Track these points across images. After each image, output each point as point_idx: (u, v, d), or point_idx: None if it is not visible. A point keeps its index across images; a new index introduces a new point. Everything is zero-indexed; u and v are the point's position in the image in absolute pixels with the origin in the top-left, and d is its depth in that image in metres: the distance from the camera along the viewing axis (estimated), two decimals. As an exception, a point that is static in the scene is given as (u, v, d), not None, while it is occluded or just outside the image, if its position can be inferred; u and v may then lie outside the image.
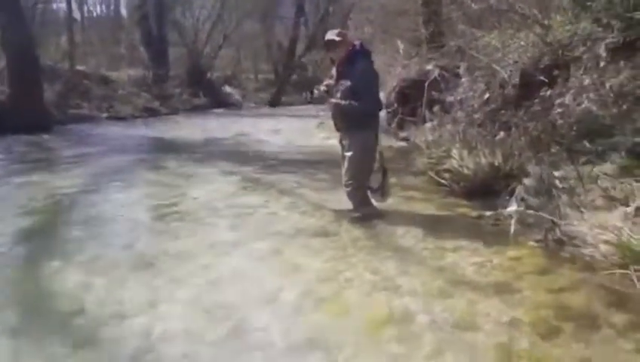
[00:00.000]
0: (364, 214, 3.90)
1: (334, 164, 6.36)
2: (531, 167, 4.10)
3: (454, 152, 4.78)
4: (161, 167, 6.57)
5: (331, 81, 3.94)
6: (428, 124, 8.41)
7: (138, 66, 19.40)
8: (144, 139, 10.07)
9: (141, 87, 17.93)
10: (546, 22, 6.27)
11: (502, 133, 5.53)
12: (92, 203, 4.68)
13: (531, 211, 3.36)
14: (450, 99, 8.15)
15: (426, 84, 8.67)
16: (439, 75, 8.56)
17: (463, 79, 8.50)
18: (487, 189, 4.24)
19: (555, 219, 3.14)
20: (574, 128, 4.68)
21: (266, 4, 25.31)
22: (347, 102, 3.67)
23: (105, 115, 14.63)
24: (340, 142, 4.08)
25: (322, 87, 4.02)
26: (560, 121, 4.83)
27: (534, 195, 3.66)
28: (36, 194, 5.02)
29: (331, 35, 3.80)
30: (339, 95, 3.75)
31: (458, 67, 8.47)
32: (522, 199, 3.53)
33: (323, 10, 24.20)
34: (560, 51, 5.75)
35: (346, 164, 3.89)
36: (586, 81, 5.24)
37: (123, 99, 16.38)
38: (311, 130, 10.67)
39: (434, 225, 3.68)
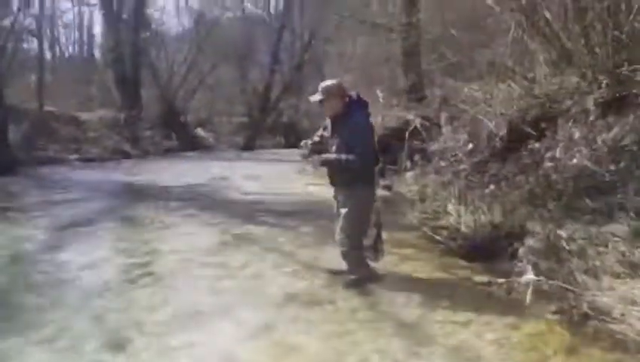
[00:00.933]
0: (360, 277, 3.60)
1: (320, 215, 6.10)
2: (532, 225, 3.92)
3: (450, 208, 4.57)
4: (133, 218, 6.14)
5: (325, 133, 3.72)
6: (409, 173, 8.31)
7: (110, 108, 18.96)
8: (114, 185, 9.59)
9: (112, 129, 17.46)
10: (530, 75, 6.30)
11: (492, 186, 5.40)
12: (55, 261, 4.22)
13: (544, 279, 3.12)
14: (432, 148, 8.12)
15: (407, 133, 8.63)
16: (420, 125, 8.55)
17: (444, 129, 8.50)
18: (487, 249, 4.01)
19: (573, 289, 2.91)
20: (570, 184, 4.56)
21: (241, 50, 25.47)
22: (344, 156, 3.43)
23: (73, 156, 14.06)
24: (335, 197, 3.81)
25: (315, 138, 3.78)
26: (554, 176, 4.71)
27: (541, 258, 3.44)
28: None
29: (327, 85, 3.59)
30: (334, 149, 3.52)
31: (438, 117, 8.51)
32: (534, 264, 3.29)
33: (299, 57, 24.56)
34: (547, 104, 5.74)
35: (340, 221, 3.61)
36: (576, 135, 5.19)
37: (93, 140, 15.87)
38: (289, 176, 10.43)
39: (438, 292, 3.40)
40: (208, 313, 3.09)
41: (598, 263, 3.04)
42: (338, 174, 3.58)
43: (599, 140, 4.79)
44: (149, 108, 20.39)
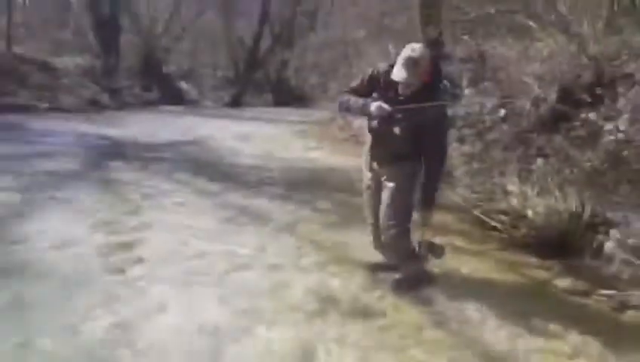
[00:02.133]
0: (411, 276, 2.82)
1: (335, 187, 5.28)
2: (614, 215, 3.16)
3: (512, 188, 3.77)
4: (113, 181, 5.22)
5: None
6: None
7: (85, 54, 17.52)
8: (91, 139, 8.53)
9: (88, 77, 16.11)
10: (581, 29, 5.44)
11: (539, 161, 4.63)
12: (22, 237, 3.33)
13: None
14: (452, 112, 7.28)
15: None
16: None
17: (466, 91, 7.64)
18: (564, 242, 3.24)
19: None
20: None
21: (227, -2, 23.87)
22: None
23: (45, 105, 12.81)
24: (373, 169, 2.97)
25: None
26: (625, 152, 3.95)
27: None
28: None
29: (416, 52, 2.62)
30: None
31: (461, 77, 7.63)
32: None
33: (290, 7, 23.05)
34: (603, 66, 4.92)
35: (387, 200, 2.78)
36: (644, 104, 4.42)
37: (67, 89, 14.56)
38: (286, 138, 9.51)
39: (518, 303, 2.66)
40: (218, 329, 2.27)
41: None
42: (402, 144, 2.72)
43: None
44: (128, 56, 18.96)
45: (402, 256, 2.82)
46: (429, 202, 2.71)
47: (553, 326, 2.45)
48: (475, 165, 5.28)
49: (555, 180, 3.72)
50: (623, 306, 2.60)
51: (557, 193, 3.49)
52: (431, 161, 2.72)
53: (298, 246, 3.36)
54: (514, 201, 3.61)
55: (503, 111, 6.06)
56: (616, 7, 5.41)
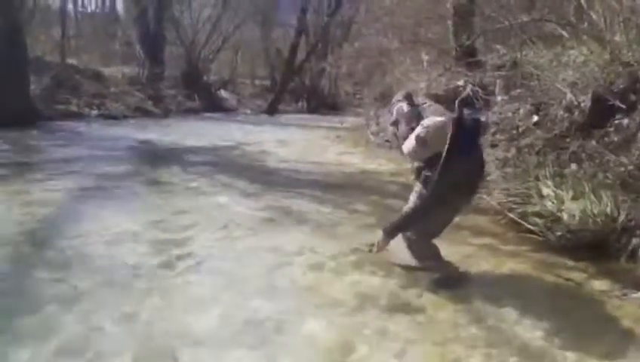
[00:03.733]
0: (447, 276, 2.99)
1: (369, 190, 5.51)
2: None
3: (547, 191, 3.89)
4: (162, 183, 5.61)
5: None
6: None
7: (132, 64, 18.41)
8: (138, 143, 9.06)
9: (134, 86, 16.92)
10: (615, 38, 5.50)
11: (573, 166, 4.73)
12: (76, 234, 3.64)
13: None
14: (482, 119, 7.38)
15: (457, 102, 7.87)
16: (472, 92, 7.79)
17: (499, 98, 7.74)
18: (599, 245, 3.35)
19: None
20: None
21: (265, 8, 24.53)
22: None
23: (95, 112, 13.59)
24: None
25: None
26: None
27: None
28: (3, 215, 4.04)
29: (426, 133, 2.62)
30: None
31: (494, 84, 7.75)
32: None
33: (326, 18, 23.48)
34: (637, 73, 4.97)
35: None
36: (677, 109, 4.47)
37: (115, 97, 15.35)
38: (320, 143, 9.82)
39: (554, 303, 2.76)
40: (262, 320, 2.50)
41: None
42: None
43: None
44: (171, 66, 19.79)
45: (420, 257, 2.92)
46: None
47: (589, 326, 2.50)
48: (510, 169, 5.38)
49: (590, 184, 3.81)
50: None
51: (592, 197, 3.58)
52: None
53: (337, 245, 3.54)
54: (549, 204, 3.71)
55: (535, 117, 6.16)
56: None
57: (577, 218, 3.46)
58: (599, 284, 2.99)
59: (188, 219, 4.11)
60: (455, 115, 2.67)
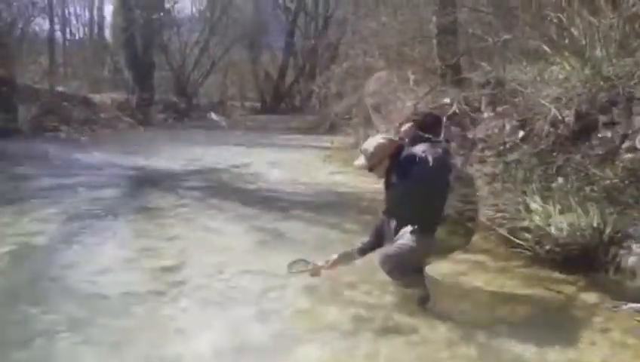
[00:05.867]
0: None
1: (361, 209, 5.53)
2: (635, 230, 3.30)
3: (535, 206, 3.93)
4: (152, 208, 5.58)
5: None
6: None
7: (122, 90, 18.49)
8: (129, 168, 9.03)
9: (124, 111, 16.98)
10: (595, 53, 5.63)
11: (560, 180, 4.79)
12: (66, 262, 3.64)
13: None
14: (473, 135, 7.47)
15: (444, 119, 7.98)
16: (458, 110, 7.89)
17: (485, 114, 7.85)
18: (588, 258, 3.37)
19: None
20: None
21: (254, 32, 24.85)
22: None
23: (85, 138, 13.59)
24: None
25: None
26: (641, 168, 4.08)
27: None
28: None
29: (370, 150, 3.05)
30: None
31: (480, 101, 7.86)
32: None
33: (313, 40, 23.81)
34: (619, 87, 5.08)
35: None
36: (659, 122, 4.57)
37: (105, 122, 15.39)
38: (311, 163, 9.85)
39: (544, 316, 2.80)
40: (258, 347, 2.49)
41: None
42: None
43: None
44: (161, 90, 19.92)
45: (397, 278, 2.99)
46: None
47: (582, 338, 2.51)
48: (498, 185, 5.44)
49: (576, 198, 3.85)
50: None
51: (579, 210, 3.62)
52: None
53: None
54: (536, 219, 3.74)
55: (522, 133, 6.24)
56: (628, 29, 5.59)
57: (565, 232, 3.49)
58: (590, 297, 3.02)
59: (178, 245, 4.09)
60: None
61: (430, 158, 2.77)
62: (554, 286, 3.18)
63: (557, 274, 3.33)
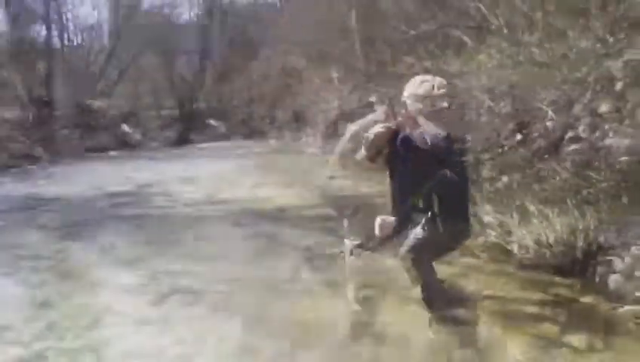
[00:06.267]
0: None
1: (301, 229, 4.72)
2: (607, 237, 2.77)
3: (488, 220, 3.36)
4: (25, 257, 4.40)
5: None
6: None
7: (14, 107, 16.53)
8: (9, 201, 7.63)
9: (19, 131, 15.09)
10: (524, 37, 5.23)
11: (504, 179, 4.30)
12: None
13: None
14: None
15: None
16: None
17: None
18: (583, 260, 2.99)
19: None
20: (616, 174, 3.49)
21: (164, 36, 23.34)
22: None
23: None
24: None
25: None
26: (596, 163, 3.63)
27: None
28: None
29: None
30: None
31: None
32: None
33: (229, 40, 22.73)
34: (555, 73, 4.68)
35: None
36: (602, 108, 4.18)
37: (-5, 144, 13.55)
38: (231, 176, 8.93)
39: (542, 318, 2.67)
40: None
41: None
42: None
43: (640, 114, 3.77)
44: (63, 105, 18.02)
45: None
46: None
47: (581, 340, 2.45)
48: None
49: (534, 203, 3.34)
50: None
51: (544, 222, 3.09)
52: None
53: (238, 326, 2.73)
54: (493, 235, 3.19)
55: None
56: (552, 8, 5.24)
57: (532, 250, 2.94)
58: (586, 299, 2.88)
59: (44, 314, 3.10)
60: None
61: (428, 138, 2.41)
62: (551, 289, 2.99)
63: (554, 278, 3.07)
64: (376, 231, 2.52)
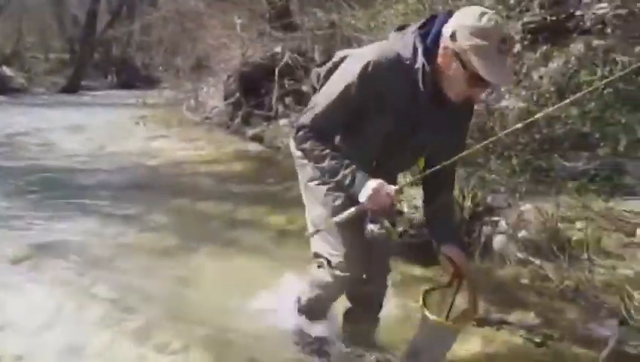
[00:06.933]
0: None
1: (176, 190, 4.31)
2: (495, 198, 2.78)
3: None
4: None
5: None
6: (283, 120, 6.88)
7: None
8: None
9: None
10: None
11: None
12: None
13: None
14: (305, 88, 6.72)
15: (277, 70, 7.07)
16: (291, 60, 7.04)
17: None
18: None
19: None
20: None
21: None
22: None
23: None
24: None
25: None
26: (490, 123, 3.66)
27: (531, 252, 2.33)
28: None
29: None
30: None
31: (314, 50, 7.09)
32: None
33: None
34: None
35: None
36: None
37: None
38: (125, 126, 8.22)
39: None
40: None
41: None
42: None
43: (535, 76, 3.86)
44: None
45: None
46: None
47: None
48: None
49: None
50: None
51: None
52: None
53: (112, 299, 2.37)
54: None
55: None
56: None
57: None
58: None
59: None
60: None
61: None
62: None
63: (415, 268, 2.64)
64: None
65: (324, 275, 1.80)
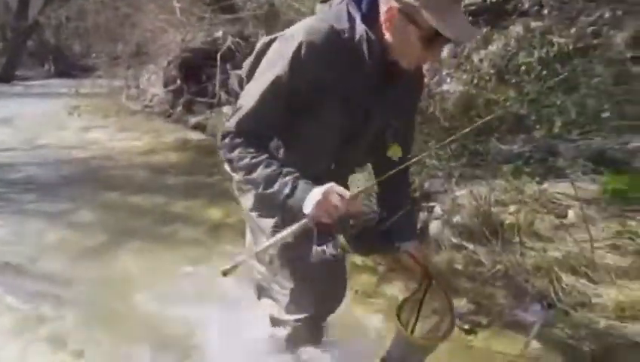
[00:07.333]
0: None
1: (108, 184, 4.06)
2: (432, 184, 2.76)
3: None
4: None
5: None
6: (226, 107, 6.67)
7: None
8: None
9: None
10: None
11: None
12: None
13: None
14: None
15: (218, 56, 6.83)
16: (233, 45, 6.82)
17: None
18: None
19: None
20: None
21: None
22: None
23: None
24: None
25: None
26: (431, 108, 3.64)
27: (465, 237, 2.31)
28: None
29: None
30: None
31: (257, 35, 6.90)
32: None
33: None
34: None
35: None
36: (442, 53, 4.21)
37: None
38: (61, 117, 7.77)
39: None
40: None
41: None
42: None
43: (476, 58, 3.86)
44: None
45: None
46: None
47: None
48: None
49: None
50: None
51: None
52: None
53: (26, 306, 2.17)
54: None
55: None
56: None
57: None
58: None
59: None
60: None
61: None
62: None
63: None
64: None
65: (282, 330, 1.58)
